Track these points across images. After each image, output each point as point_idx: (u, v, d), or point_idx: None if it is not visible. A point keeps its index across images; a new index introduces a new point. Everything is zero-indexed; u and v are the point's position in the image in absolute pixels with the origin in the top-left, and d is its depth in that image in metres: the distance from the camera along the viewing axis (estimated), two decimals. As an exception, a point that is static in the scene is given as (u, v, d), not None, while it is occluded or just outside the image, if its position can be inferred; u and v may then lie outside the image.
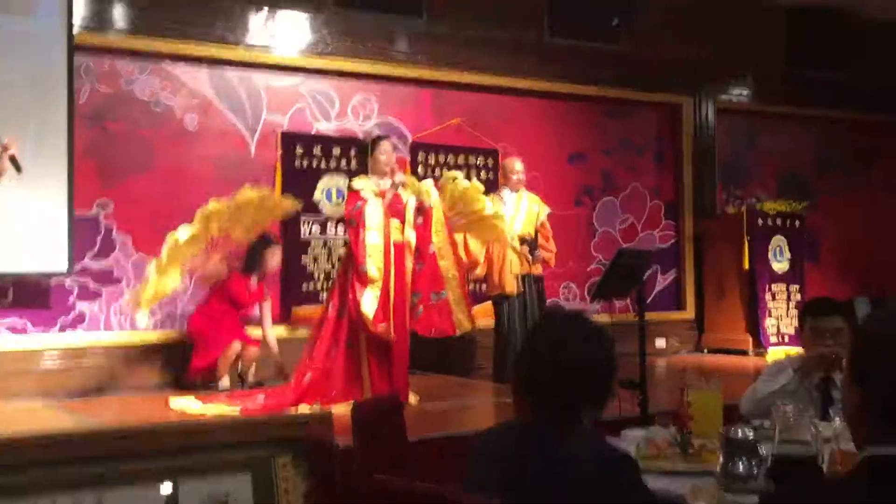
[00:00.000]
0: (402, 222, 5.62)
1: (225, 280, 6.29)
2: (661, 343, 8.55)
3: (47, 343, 6.23)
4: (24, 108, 5.95)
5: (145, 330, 6.27)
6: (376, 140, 5.81)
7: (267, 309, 6.49)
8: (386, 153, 5.69)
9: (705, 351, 8.73)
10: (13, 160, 5.26)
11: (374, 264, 5.43)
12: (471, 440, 2.02)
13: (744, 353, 8.30)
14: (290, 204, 6.48)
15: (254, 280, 6.37)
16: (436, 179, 6.24)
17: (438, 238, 5.67)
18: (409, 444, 3.22)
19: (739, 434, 1.99)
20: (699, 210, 8.97)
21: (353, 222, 5.58)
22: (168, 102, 6.75)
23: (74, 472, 2.44)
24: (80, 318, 6.41)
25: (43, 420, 5.34)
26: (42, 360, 6.18)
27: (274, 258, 6.43)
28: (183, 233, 5.82)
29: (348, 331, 5.49)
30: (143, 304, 5.84)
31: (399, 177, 5.77)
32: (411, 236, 5.61)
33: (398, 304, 5.50)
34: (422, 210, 5.68)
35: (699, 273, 8.94)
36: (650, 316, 7.18)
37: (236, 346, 6.17)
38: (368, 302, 5.39)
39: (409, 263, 5.58)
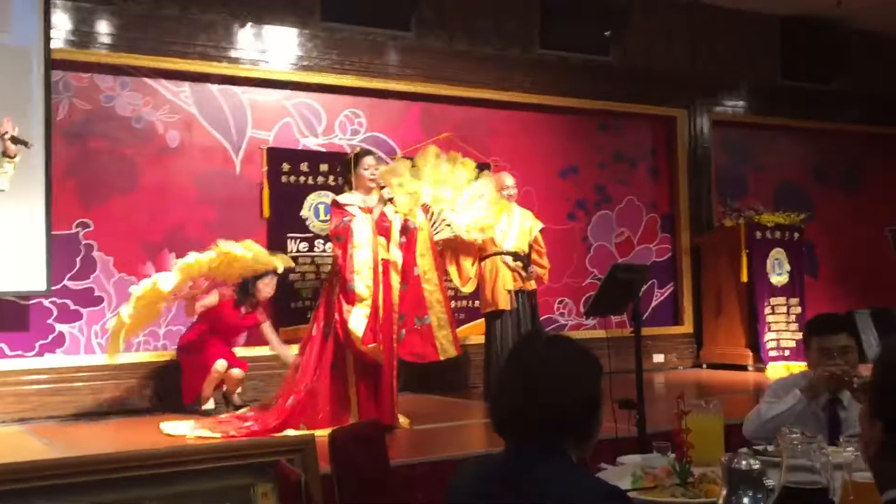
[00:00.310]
0: (388, 240, 5.44)
1: (215, 307, 6.10)
2: (658, 358, 8.41)
3: (25, 366, 6.04)
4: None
5: (126, 352, 6.07)
6: (359, 155, 5.64)
7: (268, 329, 6.29)
8: (370, 168, 5.52)
9: (704, 366, 8.56)
10: (15, 140, 5.09)
11: (361, 281, 5.25)
12: (457, 465, 1.84)
13: (743, 368, 8.14)
14: (281, 260, 6.14)
15: (244, 308, 6.17)
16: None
17: (424, 261, 5.47)
18: (391, 471, 3.04)
19: (743, 465, 1.81)
20: (696, 223, 8.83)
21: (340, 238, 5.40)
22: (150, 119, 6.59)
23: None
24: (60, 340, 6.22)
25: (19, 446, 5.17)
26: (20, 384, 5.99)
27: (267, 287, 6.17)
28: (163, 282, 5.58)
29: (334, 351, 5.30)
30: (114, 350, 5.62)
31: (387, 192, 5.61)
32: (397, 255, 5.44)
33: (386, 323, 5.32)
34: (406, 230, 5.50)
35: (697, 287, 8.78)
36: (648, 331, 7.04)
37: (220, 365, 5.97)
38: (357, 320, 5.21)
39: (396, 282, 5.40)
